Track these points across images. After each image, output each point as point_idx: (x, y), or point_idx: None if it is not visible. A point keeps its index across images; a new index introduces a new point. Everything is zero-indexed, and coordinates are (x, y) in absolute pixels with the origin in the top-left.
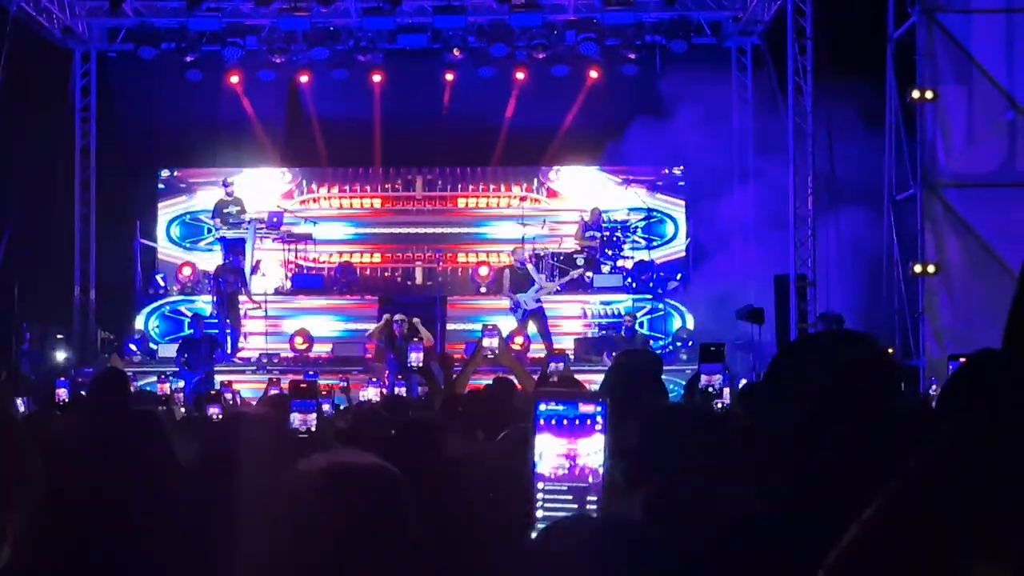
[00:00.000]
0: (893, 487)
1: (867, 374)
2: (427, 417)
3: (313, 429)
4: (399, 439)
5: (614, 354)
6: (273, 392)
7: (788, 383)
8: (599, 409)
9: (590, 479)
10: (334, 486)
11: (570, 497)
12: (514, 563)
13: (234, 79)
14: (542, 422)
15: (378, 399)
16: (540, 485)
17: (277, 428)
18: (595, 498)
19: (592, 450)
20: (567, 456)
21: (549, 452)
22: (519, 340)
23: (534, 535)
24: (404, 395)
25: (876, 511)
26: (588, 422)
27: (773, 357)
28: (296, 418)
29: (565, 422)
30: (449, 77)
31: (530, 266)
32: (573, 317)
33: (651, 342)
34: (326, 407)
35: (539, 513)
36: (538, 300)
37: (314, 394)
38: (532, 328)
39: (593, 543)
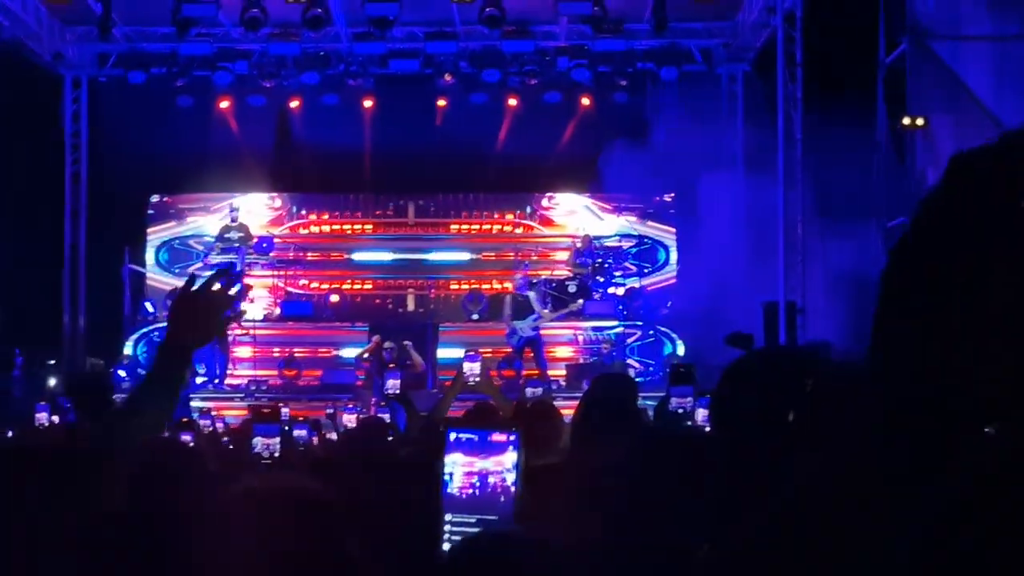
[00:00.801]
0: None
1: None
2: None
3: (276, 454)
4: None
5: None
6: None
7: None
8: (511, 438)
9: (501, 499)
10: (256, 507)
11: (478, 530)
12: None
13: (224, 104)
14: (452, 444)
15: (353, 424)
16: (448, 516)
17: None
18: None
19: (503, 475)
20: (478, 475)
21: (458, 473)
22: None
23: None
24: (387, 420)
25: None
26: (501, 448)
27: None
28: (259, 442)
29: (477, 446)
30: (441, 103)
31: (532, 294)
32: (564, 343)
33: (629, 368)
34: (301, 432)
35: (445, 546)
36: (535, 329)
37: (276, 418)
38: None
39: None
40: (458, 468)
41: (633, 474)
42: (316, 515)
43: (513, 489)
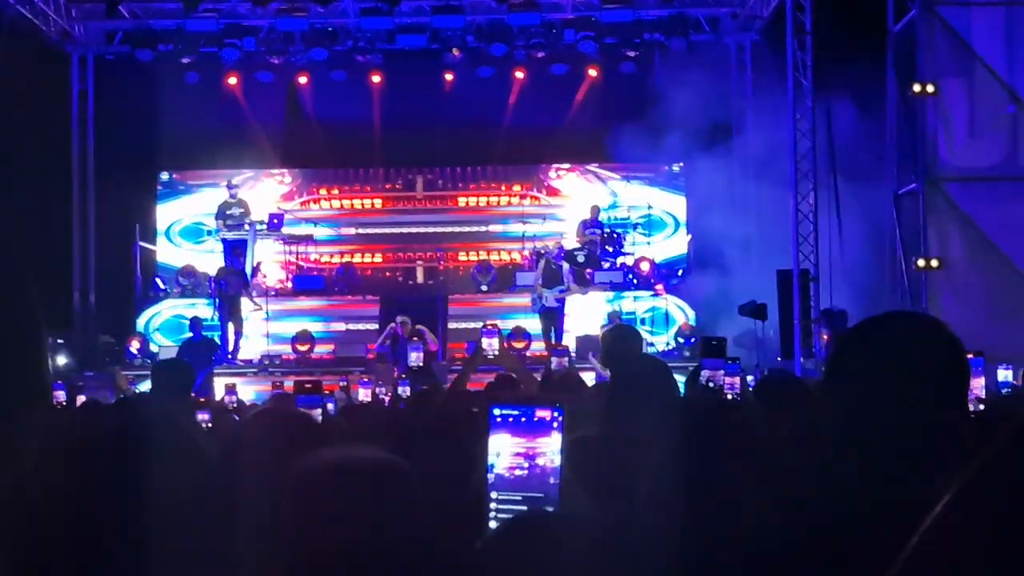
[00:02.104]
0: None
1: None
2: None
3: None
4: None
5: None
6: (277, 393)
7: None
8: (555, 414)
9: (551, 480)
10: (340, 480)
11: (524, 508)
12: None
13: (232, 81)
14: (496, 422)
15: (368, 399)
16: (494, 495)
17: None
18: (551, 509)
19: (549, 451)
20: (524, 456)
21: (505, 453)
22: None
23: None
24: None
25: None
26: (544, 425)
27: (839, 341)
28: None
29: (524, 424)
30: (448, 77)
31: (566, 265)
32: (573, 315)
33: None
34: (329, 406)
35: (492, 524)
36: (559, 300)
37: (319, 391)
38: (538, 327)
39: (552, 539)
40: (504, 448)
41: (675, 445)
42: (400, 486)
43: (558, 468)
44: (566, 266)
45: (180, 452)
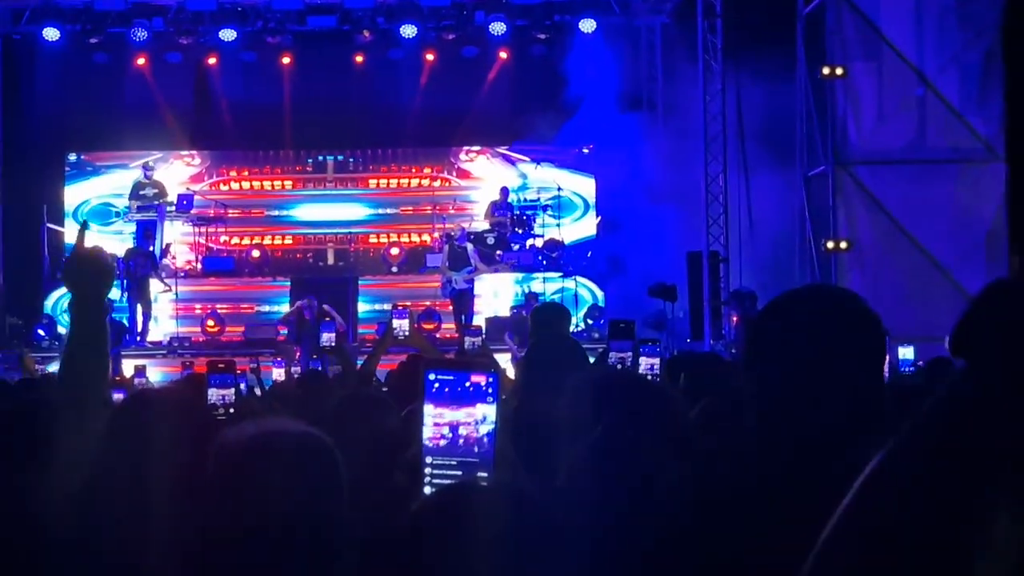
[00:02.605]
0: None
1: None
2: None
3: (232, 405)
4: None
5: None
6: (188, 373)
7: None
8: (490, 380)
9: (476, 449)
10: (264, 453)
11: (459, 473)
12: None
13: (141, 61)
14: (433, 390)
15: (283, 378)
16: (428, 459)
17: (191, 403)
18: (485, 474)
19: (481, 419)
20: (453, 426)
21: (439, 419)
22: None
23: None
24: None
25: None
26: (478, 392)
27: (759, 315)
28: (215, 393)
29: (457, 391)
30: (359, 59)
31: (470, 246)
32: (484, 296)
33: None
34: (242, 386)
35: (426, 489)
36: (468, 282)
37: (232, 371)
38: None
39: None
40: (438, 413)
41: (588, 418)
42: (324, 459)
43: (493, 433)
44: (470, 247)
45: (83, 432)
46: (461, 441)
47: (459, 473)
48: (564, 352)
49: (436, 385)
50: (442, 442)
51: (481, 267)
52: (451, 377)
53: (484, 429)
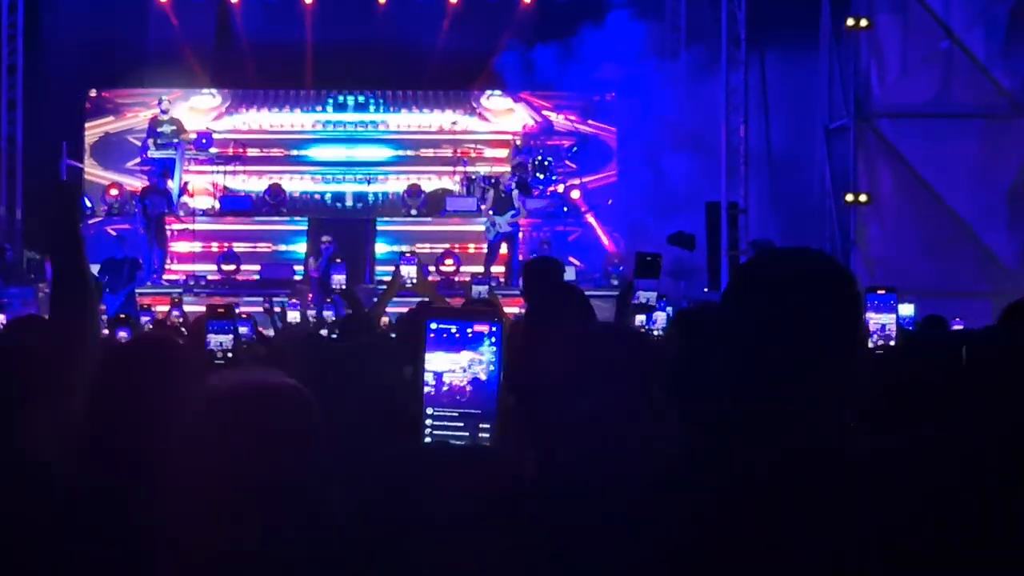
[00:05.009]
0: None
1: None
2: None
3: (230, 351)
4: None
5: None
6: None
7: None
8: (494, 329)
9: (477, 400)
10: (242, 404)
11: (461, 424)
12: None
13: None
14: (435, 338)
15: (297, 320)
16: (429, 411)
17: (187, 348)
18: (488, 425)
19: (483, 369)
20: (460, 371)
21: (441, 368)
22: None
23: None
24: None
25: None
26: (480, 341)
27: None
28: (212, 340)
29: (458, 340)
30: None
31: (516, 192)
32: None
33: (570, 266)
34: (244, 330)
35: (427, 440)
36: (513, 225)
37: (231, 316)
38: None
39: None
40: (440, 363)
41: (588, 376)
42: (302, 413)
43: (495, 383)
44: (515, 192)
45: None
46: (464, 392)
47: (460, 425)
48: (569, 300)
49: (438, 334)
50: (443, 392)
51: (524, 212)
52: (453, 327)
53: (485, 379)
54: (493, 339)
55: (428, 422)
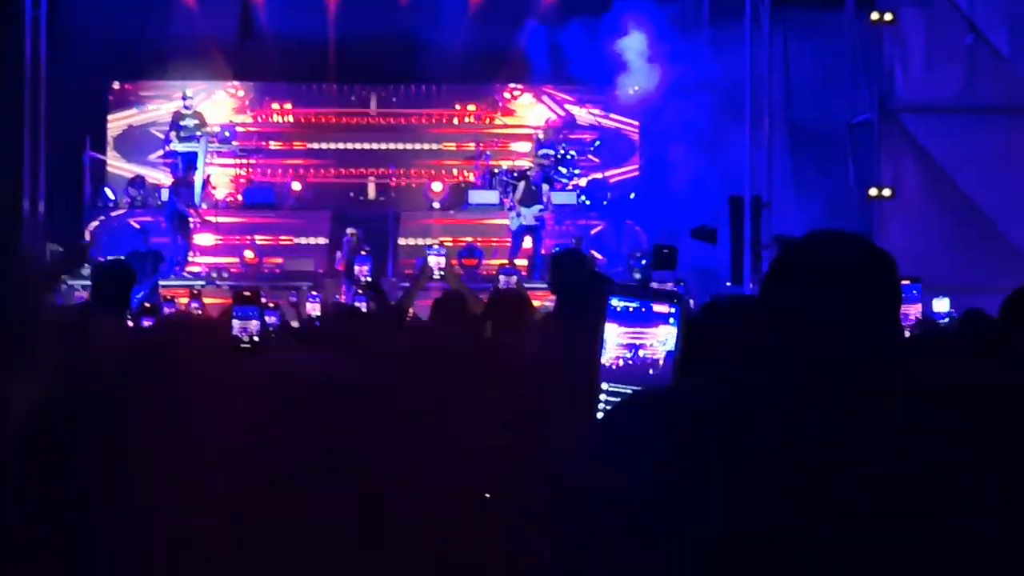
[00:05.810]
0: None
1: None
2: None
3: (256, 338)
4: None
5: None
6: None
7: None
8: (673, 311)
9: (663, 373)
10: (281, 389)
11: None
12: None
13: None
14: (615, 312)
15: (317, 313)
16: (604, 386)
17: (215, 331)
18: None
19: (659, 341)
20: (630, 347)
21: (617, 344)
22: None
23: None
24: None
25: None
26: (665, 319)
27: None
28: (237, 325)
29: (640, 314)
30: None
31: (545, 186)
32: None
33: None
34: (272, 319)
35: (599, 415)
36: (539, 218)
37: (256, 301)
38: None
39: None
40: (613, 338)
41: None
42: (344, 396)
43: (670, 362)
44: (545, 187)
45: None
46: (642, 368)
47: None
48: (599, 288)
49: (623, 311)
50: (620, 368)
51: (551, 205)
52: (635, 303)
53: (662, 358)
54: (672, 319)
55: (602, 397)
